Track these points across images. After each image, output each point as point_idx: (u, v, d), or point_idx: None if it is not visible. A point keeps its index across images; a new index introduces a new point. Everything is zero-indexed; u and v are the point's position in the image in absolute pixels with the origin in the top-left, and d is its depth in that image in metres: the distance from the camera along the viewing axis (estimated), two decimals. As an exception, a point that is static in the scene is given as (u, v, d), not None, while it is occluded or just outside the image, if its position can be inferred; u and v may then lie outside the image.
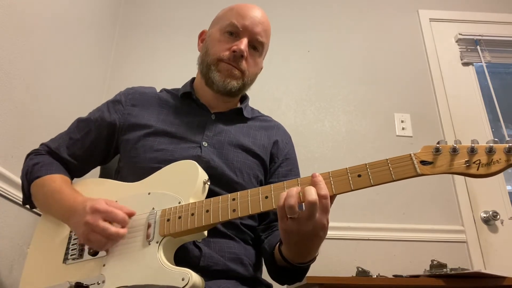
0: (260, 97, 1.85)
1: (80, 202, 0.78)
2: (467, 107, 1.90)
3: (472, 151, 0.62)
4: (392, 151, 1.78)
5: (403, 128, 1.83)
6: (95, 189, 0.88)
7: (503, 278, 1.20)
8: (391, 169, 0.67)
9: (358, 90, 1.91)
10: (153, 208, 0.78)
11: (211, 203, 0.73)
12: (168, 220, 0.74)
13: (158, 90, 1.09)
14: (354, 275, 1.33)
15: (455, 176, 1.72)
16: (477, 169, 0.62)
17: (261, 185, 0.98)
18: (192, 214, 0.73)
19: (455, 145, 0.63)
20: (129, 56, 1.94)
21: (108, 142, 0.97)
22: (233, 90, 0.96)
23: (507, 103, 1.96)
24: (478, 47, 2.00)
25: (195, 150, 0.89)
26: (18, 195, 1.11)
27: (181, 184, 0.80)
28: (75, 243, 0.81)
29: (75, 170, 0.96)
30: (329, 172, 0.69)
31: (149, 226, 0.75)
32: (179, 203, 0.76)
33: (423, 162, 0.65)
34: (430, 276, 1.27)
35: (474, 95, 1.93)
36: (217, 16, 1.05)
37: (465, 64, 2.00)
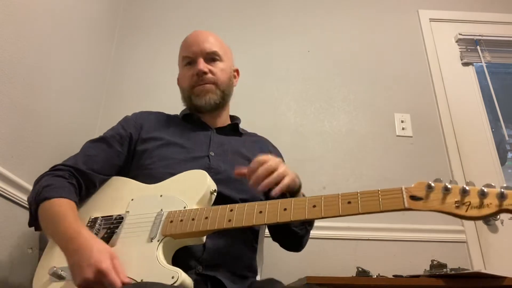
0: (260, 97, 1.85)
1: (86, 239, 0.76)
2: (467, 107, 1.90)
3: (464, 192, 0.63)
4: (392, 151, 1.79)
5: (403, 128, 1.83)
6: (120, 187, 0.99)
7: (503, 278, 1.19)
8: (380, 199, 0.69)
9: (358, 90, 1.91)
10: (161, 209, 0.85)
11: (211, 211, 0.80)
12: (171, 221, 0.81)
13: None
14: (354, 275, 1.33)
15: (455, 176, 1.73)
16: (466, 211, 0.62)
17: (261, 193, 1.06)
18: (193, 219, 0.79)
19: (448, 184, 0.65)
20: (129, 56, 1.94)
21: (126, 154, 1.05)
22: (217, 102, 1.11)
23: (507, 103, 1.96)
24: (478, 47, 2.00)
25: (204, 160, 1.01)
26: (18, 195, 1.11)
27: (189, 190, 0.88)
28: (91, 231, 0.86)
29: (92, 181, 0.98)
30: (321, 196, 0.74)
31: (154, 225, 0.82)
32: (184, 207, 0.84)
33: (413, 197, 0.67)
34: (430, 276, 1.27)
35: (474, 95, 1.93)
36: (178, 58, 1.22)
37: (465, 64, 2.00)
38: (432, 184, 0.67)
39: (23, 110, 1.15)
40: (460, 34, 2.03)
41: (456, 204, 0.63)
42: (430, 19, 2.09)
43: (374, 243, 1.58)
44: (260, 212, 0.75)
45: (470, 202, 0.62)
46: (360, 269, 1.34)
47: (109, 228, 0.87)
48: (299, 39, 2.02)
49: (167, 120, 1.15)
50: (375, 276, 1.32)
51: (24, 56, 1.15)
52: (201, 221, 0.78)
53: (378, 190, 0.70)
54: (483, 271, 1.24)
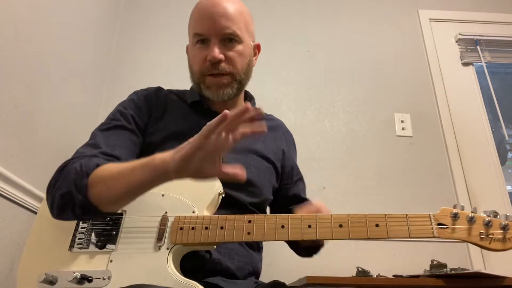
0: (260, 97, 1.85)
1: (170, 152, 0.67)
2: (467, 107, 1.90)
3: (487, 224, 0.65)
4: (392, 151, 1.78)
5: (403, 128, 1.83)
6: None
7: (503, 278, 1.19)
8: (408, 225, 0.68)
9: (358, 90, 1.91)
10: (166, 212, 0.77)
11: (226, 221, 0.73)
12: (181, 229, 0.74)
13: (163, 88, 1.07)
14: (354, 275, 1.33)
15: (455, 176, 1.73)
16: (490, 243, 0.65)
17: (273, 189, 1.01)
18: (206, 228, 0.73)
19: (471, 214, 0.67)
20: (129, 55, 1.94)
21: (141, 144, 0.92)
22: (231, 96, 0.95)
23: (507, 103, 1.96)
24: (478, 47, 2.00)
25: None
26: (18, 195, 1.11)
27: (197, 192, 0.80)
28: (83, 232, 0.79)
29: None
30: (347, 215, 0.70)
31: (160, 230, 0.75)
32: (193, 212, 0.76)
33: (440, 225, 0.68)
34: (430, 276, 1.27)
35: (474, 95, 1.93)
36: (188, 28, 1.02)
37: (465, 64, 2.00)
38: (457, 213, 0.68)
39: (23, 110, 1.15)
40: (460, 34, 2.03)
41: (481, 236, 0.66)
42: (430, 19, 2.09)
43: (374, 243, 1.58)
44: (282, 226, 0.70)
45: (493, 234, 0.65)
46: (360, 269, 1.34)
47: (105, 230, 0.78)
48: (299, 39, 2.02)
49: (175, 104, 1.00)
50: (375, 276, 1.32)
51: (24, 56, 1.15)
52: (216, 231, 0.72)
53: (406, 215, 0.69)
54: (483, 271, 1.23)
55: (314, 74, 1.94)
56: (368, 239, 0.68)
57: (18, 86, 1.12)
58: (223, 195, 0.83)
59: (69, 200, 0.70)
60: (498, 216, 0.68)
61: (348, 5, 2.12)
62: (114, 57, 1.93)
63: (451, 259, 1.39)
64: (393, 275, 1.33)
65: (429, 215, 0.69)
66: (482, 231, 0.65)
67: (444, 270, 1.26)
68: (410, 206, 1.67)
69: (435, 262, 1.32)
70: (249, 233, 0.71)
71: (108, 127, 0.90)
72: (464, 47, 2.03)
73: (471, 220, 0.66)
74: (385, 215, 0.69)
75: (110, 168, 0.71)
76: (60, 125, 1.40)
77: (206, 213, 0.78)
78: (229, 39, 0.92)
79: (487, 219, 0.65)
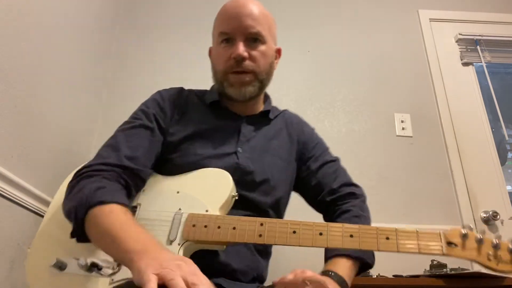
0: (260, 97, 1.85)
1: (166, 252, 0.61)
2: (467, 107, 1.90)
3: (496, 246, 0.68)
4: (392, 151, 1.78)
5: (403, 128, 1.83)
6: None
7: (503, 278, 1.20)
8: (418, 241, 0.70)
9: (358, 90, 1.91)
10: (180, 209, 0.79)
11: (238, 222, 0.74)
12: (194, 226, 0.75)
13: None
14: (354, 275, 1.33)
15: (455, 176, 1.73)
16: (497, 264, 0.67)
17: (291, 185, 1.01)
18: (219, 227, 0.74)
19: (480, 236, 0.69)
20: (130, 55, 1.94)
21: (160, 145, 0.92)
22: (253, 95, 0.96)
23: (507, 103, 1.96)
24: (478, 47, 2.00)
25: (231, 157, 0.91)
26: (18, 195, 1.11)
27: (211, 192, 0.81)
28: None
29: (141, 178, 0.85)
30: (359, 226, 0.71)
31: (173, 225, 0.76)
32: (207, 211, 0.77)
33: (449, 243, 0.70)
34: (430, 276, 1.27)
35: (474, 95, 1.93)
36: (212, 29, 1.04)
37: (465, 64, 2.00)
38: (467, 233, 0.70)
39: (23, 110, 1.15)
40: (460, 34, 2.03)
41: (489, 257, 0.68)
42: (430, 19, 2.09)
43: (374, 243, 1.58)
44: (294, 232, 0.71)
45: (501, 255, 0.67)
46: (360, 269, 1.33)
47: None
48: (299, 39, 2.02)
49: (195, 105, 1.00)
50: (375, 276, 1.32)
51: (24, 56, 1.15)
52: (228, 231, 0.73)
53: (417, 231, 0.71)
54: (483, 271, 1.23)
55: (314, 74, 1.94)
56: (378, 250, 0.69)
57: (18, 86, 1.12)
58: (237, 198, 0.84)
59: (69, 217, 0.74)
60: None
61: (348, 5, 2.12)
62: (114, 57, 1.93)
63: (451, 259, 1.39)
64: (393, 275, 1.33)
65: (439, 233, 0.71)
66: (490, 253, 0.68)
67: (444, 270, 1.27)
68: (410, 206, 1.67)
69: (435, 262, 1.32)
70: (260, 235, 0.72)
71: (131, 126, 0.91)
72: (464, 47, 2.03)
73: (480, 242, 0.69)
74: (395, 229, 0.70)
75: (107, 218, 0.69)
76: (60, 125, 1.40)
77: (219, 213, 0.79)
78: (254, 39, 0.95)
79: (495, 242, 0.68)
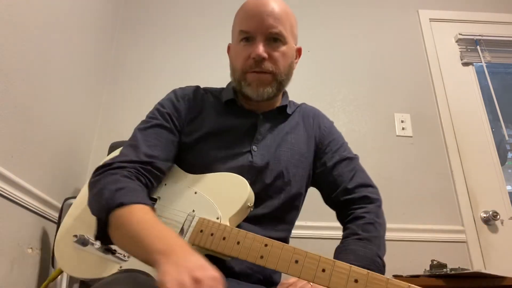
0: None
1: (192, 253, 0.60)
2: (467, 107, 1.90)
3: None
4: (392, 151, 1.79)
5: (403, 128, 1.83)
6: None
7: (503, 278, 1.20)
8: None
9: (358, 90, 1.91)
10: (193, 210, 0.79)
11: (244, 238, 0.72)
12: (201, 231, 0.75)
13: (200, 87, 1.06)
14: (354, 275, 1.33)
15: (455, 176, 1.73)
16: None
17: (309, 180, 0.99)
18: (224, 239, 0.72)
19: None
20: (130, 56, 1.94)
21: (177, 145, 0.92)
22: (271, 96, 0.94)
23: (507, 103, 1.96)
24: (478, 47, 2.00)
25: (246, 156, 0.90)
26: (18, 195, 1.11)
27: (226, 199, 0.80)
28: None
29: (161, 170, 0.86)
30: (367, 272, 0.64)
31: (184, 226, 0.77)
32: (217, 218, 0.77)
33: None
34: (430, 276, 1.27)
35: (474, 95, 1.93)
36: (232, 26, 1.02)
37: (465, 64, 2.00)
38: None
39: (23, 110, 1.15)
40: (460, 34, 2.03)
41: None
42: (430, 19, 2.10)
43: (374, 243, 1.58)
44: (296, 262, 0.68)
45: None
46: (360, 269, 1.33)
47: None
48: (299, 39, 2.01)
49: (210, 104, 0.99)
50: (375, 276, 1.32)
51: (24, 56, 1.15)
52: (232, 245, 0.71)
53: None
54: (483, 271, 1.24)
55: (314, 74, 1.94)
56: None
57: (18, 86, 1.12)
58: (252, 209, 0.82)
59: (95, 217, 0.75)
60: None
61: (348, 5, 2.12)
62: (114, 57, 1.93)
63: (451, 259, 1.39)
64: (393, 275, 1.33)
65: None
66: None
67: (444, 270, 1.27)
68: (410, 206, 1.67)
69: (435, 262, 1.32)
70: (262, 257, 0.69)
71: (148, 126, 0.91)
72: (464, 47, 2.03)
73: None
74: (409, 285, 0.62)
75: (127, 220, 0.68)
76: (60, 126, 1.40)
77: (229, 222, 0.77)
78: (274, 39, 0.93)
79: None
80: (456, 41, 2.04)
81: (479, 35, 2.02)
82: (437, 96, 1.90)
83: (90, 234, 0.81)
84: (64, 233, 0.86)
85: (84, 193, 0.91)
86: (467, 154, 1.79)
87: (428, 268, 1.33)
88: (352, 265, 0.65)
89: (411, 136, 1.82)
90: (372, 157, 1.76)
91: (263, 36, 0.91)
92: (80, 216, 0.88)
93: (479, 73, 1.99)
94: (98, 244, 0.77)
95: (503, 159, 1.84)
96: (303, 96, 1.89)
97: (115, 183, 0.74)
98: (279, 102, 1.04)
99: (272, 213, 0.89)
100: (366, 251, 0.80)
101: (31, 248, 1.19)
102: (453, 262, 1.36)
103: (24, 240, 1.15)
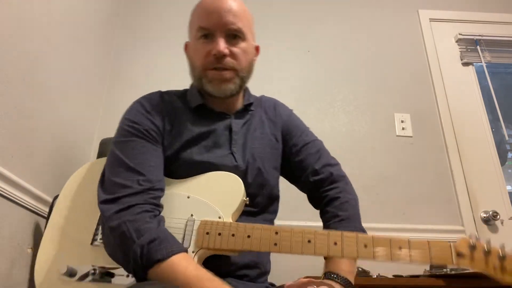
0: (260, 97, 1.85)
1: None
2: (467, 107, 1.90)
3: (502, 258, 0.69)
4: (392, 151, 1.79)
5: (403, 128, 1.83)
6: None
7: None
8: (430, 252, 0.71)
9: (358, 90, 1.91)
10: (192, 215, 0.78)
11: (253, 230, 0.74)
12: (208, 233, 0.75)
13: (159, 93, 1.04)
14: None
15: (455, 176, 1.73)
16: (503, 276, 0.68)
17: (277, 171, 1.00)
18: (233, 235, 0.74)
19: (487, 248, 0.70)
20: (130, 55, 1.94)
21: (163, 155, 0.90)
22: (234, 92, 0.95)
23: (507, 103, 1.96)
24: (478, 47, 2.00)
25: (229, 158, 0.90)
26: (18, 195, 1.11)
27: (223, 198, 0.80)
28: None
29: (162, 191, 0.84)
30: (372, 236, 0.73)
31: (186, 232, 0.76)
32: (219, 218, 0.77)
33: (459, 254, 0.71)
34: (430, 276, 1.27)
35: (474, 95, 1.93)
36: (189, 24, 1.01)
37: (465, 64, 2.00)
38: (475, 245, 0.71)
39: (23, 110, 1.15)
40: (460, 34, 2.03)
41: (495, 268, 0.69)
42: (430, 19, 2.10)
43: (374, 243, 1.58)
44: (309, 241, 0.72)
45: (506, 267, 0.68)
46: (360, 269, 1.34)
47: None
48: (299, 39, 2.02)
49: (181, 111, 0.97)
50: (375, 276, 1.32)
51: (24, 56, 1.15)
52: (243, 240, 0.73)
53: (428, 242, 0.72)
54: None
55: (314, 74, 1.94)
56: (391, 261, 0.70)
57: (18, 86, 1.12)
58: (247, 202, 0.83)
59: (123, 267, 0.73)
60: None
61: (348, 5, 2.12)
62: (114, 57, 1.93)
63: (451, 259, 1.39)
64: (393, 275, 1.33)
65: (450, 244, 0.72)
66: (496, 264, 0.69)
67: (444, 270, 1.26)
68: (410, 206, 1.67)
69: (435, 262, 1.32)
70: (275, 244, 0.73)
71: (131, 146, 0.86)
72: (464, 47, 2.03)
73: (487, 253, 0.70)
74: (408, 240, 0.71)
75: (172, 276, 0.68)
76: (60, 126, 1.40)
77: (231, 219, 0.78)
78: (234, 36, 0.93)
79: (501, 253, 0.69)
80: (456, 41, 2.04)
81: (479, 35, 2.02)
82: (437, 96, 1.90)
83: (74, 259, 0.76)
84: (45, 263, 0.80)
85: (61, 210, 0.86)
86: (467, 154, 1.79)
87: (428, 268, 1.33)
88: (358, 233, 0.72)
89: (411, 136, 1.82)
90: (372, 157, 1.76)
91: (222, 32, 0.91)
92: (60, 241, 0.82)
93: (479, 73, 1.99)
94: (95, 268, 0.73)
95: (503, 159, 1.84)
96: (303, 96, 1.90)
97: (140, 232, 0.71)
98: (242, 99, 1.04)
99: (258, 208, 0.92)
100: (351, 230, 0.83)
101: (31, 248, 1.19)
102: (453, 262, 1.36)
103: (24, 240, 1.15)
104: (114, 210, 0.75)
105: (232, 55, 0.91)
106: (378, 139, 1.81)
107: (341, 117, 1.85)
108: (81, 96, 1.59)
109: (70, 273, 0.74)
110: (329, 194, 0.96)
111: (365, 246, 0.71)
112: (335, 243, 0.72)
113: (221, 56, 0.89)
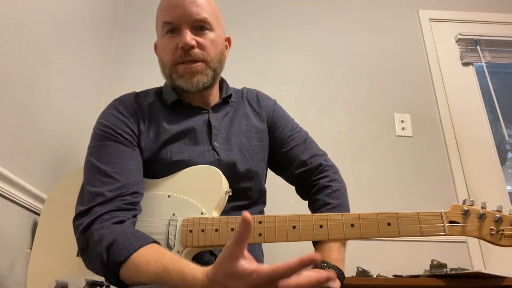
0: (260, 97, 1.85)
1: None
2: (467, 107, 1.90)
3: (498, 220, 0.67)
4: (392, 151, 1.78)
5: (403, 128, 1.83)
6: None
7: (503, 278, 1.20)
8: (420, 224, 0.69)
9: (358, 90, 1.91)
10: (174, 214, 0.76)
11: (235, 222, 0.72)
12: (191, 231, 0.73)
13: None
14: (354, 275, 1.33)
15: (455, 176, 1.73)
16: (500, 239, 0.66)
17: (265, 163, 1.00)
18: (216, 230, 0.72)
19: (482, 211, 0.67)
20: (130, 55, 1.94)
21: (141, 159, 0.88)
22: (206, 85, 0.92)
23: (507, 103, 1.96)
24: (478, 47, 2.00)
25: (211, 153, 0.89)
26: (18, 195, 1.11)
27: (203, 192, 0.78)
28: None
29: (140, 194, 0.82)
30: (359, 214, 0.70)
31: (169, 233, 0.74)
32: (202, 213, 0.75)
33: (451, 222, 0.69)
34: (430, 276, 1.27)
35: (474, 95, 1.93)
36: (155, 22, 0.99)
37: (465, 64, 2.00)
38: (468, 210, 0.68)
39: (23, 110, 1.15)
40: (460, 34, 2.03)
41: (492, 232, 0.66)
42: (430, 19, 2.09)
43: (374, 243, 1.58)
44: (294, 227, 0.70)
45: (503, 230, 0.66)
46: (360, 269, 1.34)
47: None
48: (299, 39, 2.02)
49: (157, 110, 0.94)
50: (375, 276, 1.32)
51: (24, 56, 1.15)
52: (227, 234, 0.71)
53: (418, 213, 0.69)
54: (483, 271, 1.24)
55: (314, 74, 1.94)
56: (380, 237, 0.68)
57: (18, 86, 1.12)
58: (230, 193, 0.82)
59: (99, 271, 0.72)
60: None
61: (348, 5, 2.12)
62: (114, 57, 1.93)
63: (451, 259, 1.39)
64: (393, 275, 1.33)
65: (441, 212, 0.69)
66: (492, 228, 0.66)
67: (444, 270, 1.27)
68: (410, 206, 1.67)
69: (435, 262, 1.32)
70: (260, 235, 0.70)
71: (107, 150, 0.85)
72: (464, 47, 2.03)
73: (481, 217, 0.67)
74: (396, 213, 0.68)
75: (137, 274, 0.66)
76: (60, 126, 1.40)
77: (214, 213, 0.77)
78: (200, 27, 0.91)
79: (497, 216, 0.66)
80: (456, 41, 2.04)
81: (479, 35, 2.02)
82: (437, 96, 1.90)
83: (63, 271, 0.75)
84: (35, 277, 0.78)
85: (47, 220, 0.85)
86: (467, 154, 1.79)
87: (428, 268, 1.33)
88: (344, 213, 0.69)
89: (411, 136, 1.82)
90: (372, 157, 1.76)
91: (188, 24, 0.89)
92: (49, 252, 0.80)
93: (479, 73, 1.99)
94: (82, 281, 0.69)
95: (503, 159, 1.84)
96: (303, 96, 1.90)
97: (100, 239, 0.70)
98: (219, 92, 1.02)
99: (251, 201, 0.92)
100: None
101: (31, 248, 1.19)
102: (453, 262, 1.36)
103: (24, 240, 1.15)
104: (84, 224, 0.74)
105: (200, 46, 0.89)
106: (378, 139, 1.81)
107: (341, 117, 1.85)
108: (81, 96, 1.59)
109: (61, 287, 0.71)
110: (319, 183, 0.95)
111: (352, 225, 0.68)
112: (321, 226, 0.69)
113: (188, 48, 0.87)
